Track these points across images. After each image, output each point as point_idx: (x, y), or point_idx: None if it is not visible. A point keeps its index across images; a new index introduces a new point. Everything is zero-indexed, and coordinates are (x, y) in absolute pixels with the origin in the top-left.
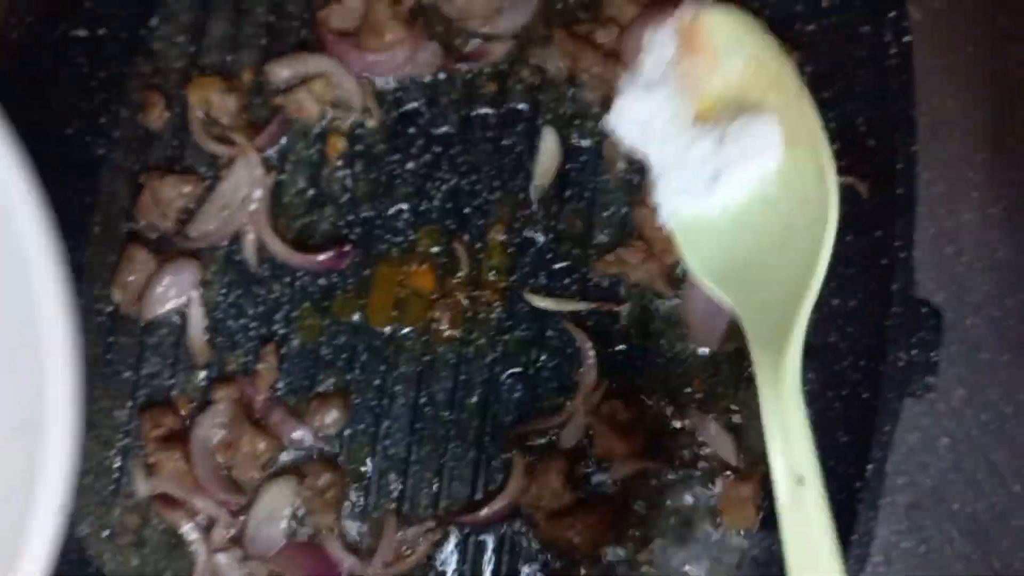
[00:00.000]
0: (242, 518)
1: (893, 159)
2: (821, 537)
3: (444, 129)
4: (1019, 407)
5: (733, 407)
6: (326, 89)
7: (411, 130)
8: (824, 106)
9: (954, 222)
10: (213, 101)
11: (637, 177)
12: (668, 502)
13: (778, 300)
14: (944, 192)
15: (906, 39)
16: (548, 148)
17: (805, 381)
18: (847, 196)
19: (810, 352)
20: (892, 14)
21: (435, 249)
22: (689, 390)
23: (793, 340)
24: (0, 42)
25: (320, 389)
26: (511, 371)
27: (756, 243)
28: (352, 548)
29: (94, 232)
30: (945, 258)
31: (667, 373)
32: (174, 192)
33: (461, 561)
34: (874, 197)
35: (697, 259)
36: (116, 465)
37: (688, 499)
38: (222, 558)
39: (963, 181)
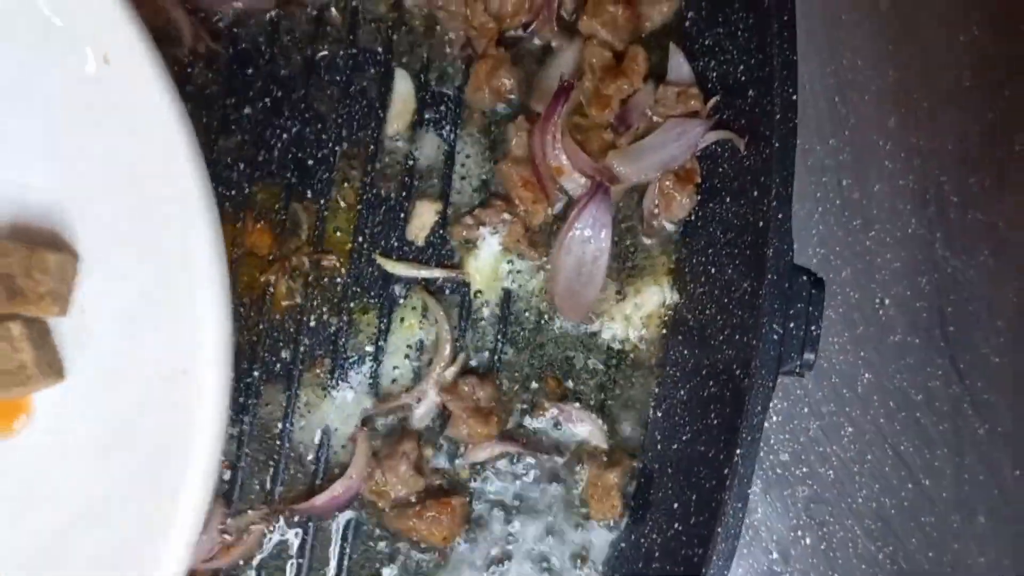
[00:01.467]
0: None
1: (772, 109)
2: None
3: (285, 71)
4: (930, 395)
5: (603, 388)
6: (153, 17)
7: (249, 71)
8: (705, 54)
9: (862, 193)
10: None
11: (500, 130)
12: (529, 488)
13: None
14: (851, 161)
15: None
16: (402, 93)
17: (682, 361)
18: (725, 154)
19: (686, 327)
20: None
21: (274, 206)
22: (554, 371)
23: None
24: None
25: None
26: (356, 343)
27: None
28: None
29: None
30: (852, 232)
31: (530, 350)
32: None
33: (300, 552)
34: (751, 154)
35: None
36: None
37: (550, 488)
38: None
39: (873, 149)
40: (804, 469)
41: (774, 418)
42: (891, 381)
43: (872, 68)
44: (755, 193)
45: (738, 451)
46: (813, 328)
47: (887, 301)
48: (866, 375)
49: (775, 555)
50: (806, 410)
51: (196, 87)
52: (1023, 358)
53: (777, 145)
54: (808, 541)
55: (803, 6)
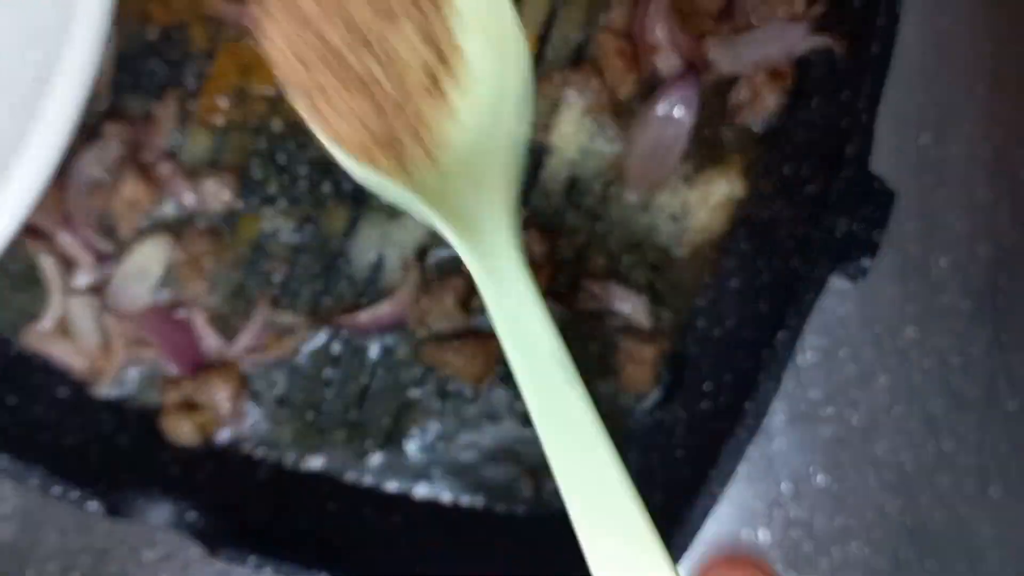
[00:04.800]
0: (108, 270)
1: (874, 18)
2: (583, 435)
3: None
4: (968, 361)
5: (655, 268)
6: None
7: None
8: None
9: (938, 153)
10: None
11: None
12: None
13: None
14: (934, 119)
15: None
16: None
17: (740, 252)
18: (823, 59)
19: (749, 221)
20: None
21: None
22: (611, 242)
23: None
24: None
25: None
26: None
27: None
28: (217, 325)
29: None
30: (923, 188)
31: (592, 217)
32: None
33: (334, 364)
34: (850, 60)
35: None
36: None
37: (587, 349)
38: (77, 305)
39: (958, 111)
40: (831, 410)
41: (811, 355)
42: (932, 340)
43: (968, 35)
44: (844, 97)
45: (780, 332)
46: (876, 232)
47: (942, 262)
48: (909, 330)
49: (785, 488)
50: (844, 353)
51: None
52: None
53: (876, 52)
54: (820, 480)
55: None
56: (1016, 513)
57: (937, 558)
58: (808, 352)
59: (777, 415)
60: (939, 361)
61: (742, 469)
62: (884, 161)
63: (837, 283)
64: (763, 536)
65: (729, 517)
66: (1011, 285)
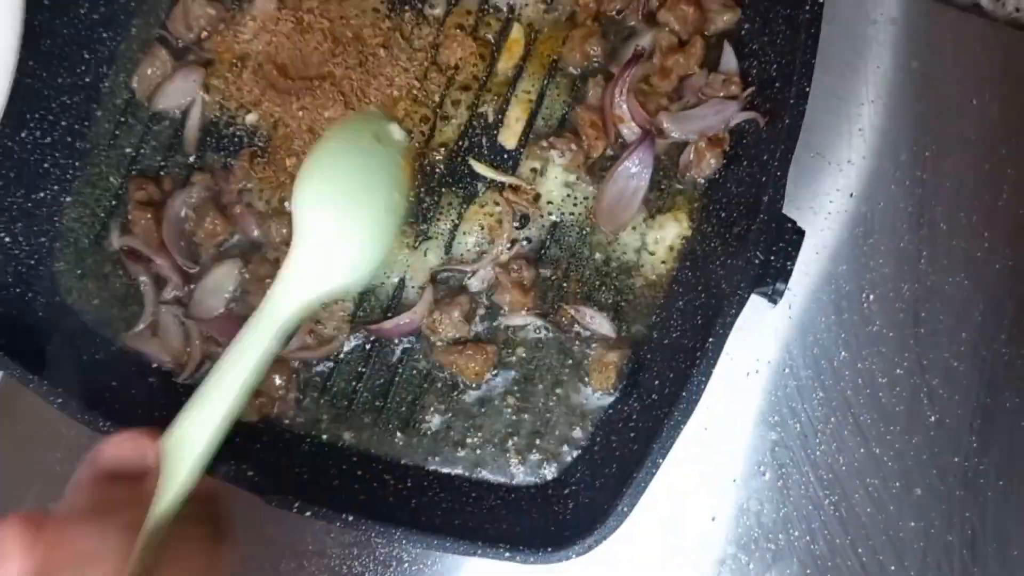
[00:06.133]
0: (191, 286)
1: (788, 96)
2: None
3: None
4: (893, 380)
5: (620, 292)
6: None
7: None
8: (750, 55)
9: (868, 208)
10: None
11: (582, 83)
12: (546, 354)
13: None
14: (863, 180)
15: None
16: (516, 38)
17: (685, 280)
18: (750, 130)
19: (693, 255)
20: None
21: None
22: (585, 270)
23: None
24: None
25: (281, 206)
26: (440, 218)
27: None
28: None
29: (131, 31)
30: (854, 236)
31: (570, 250)
32: (202, 11)
33: (366, 362)
34: (769, 129)
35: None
36: (100, 220)
37: (564, 356)
38: (166, 313)
39: (883, 174)
40: (776, 417)
41: (760, 372)
42: (863, 362)
43: (893, 112)
44: (764, 157)
45: (710, 339)
46: (789, 263)
47: (872, 297)
48: (843, 352)
49: (737, 480)
50: (788, 371)
51: None
52: (977, 367)
53: (788, 121)
54: (767, 476)
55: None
56: (935, 510)
57: (866, 547)
58: (759, 370)
59: (731, 420)
60: (869, 380)
61: (698, 462)
62: (821, 215)
63: (782, 314)
64: (718, 521)
65: (692, 512)
66: (931, 318)
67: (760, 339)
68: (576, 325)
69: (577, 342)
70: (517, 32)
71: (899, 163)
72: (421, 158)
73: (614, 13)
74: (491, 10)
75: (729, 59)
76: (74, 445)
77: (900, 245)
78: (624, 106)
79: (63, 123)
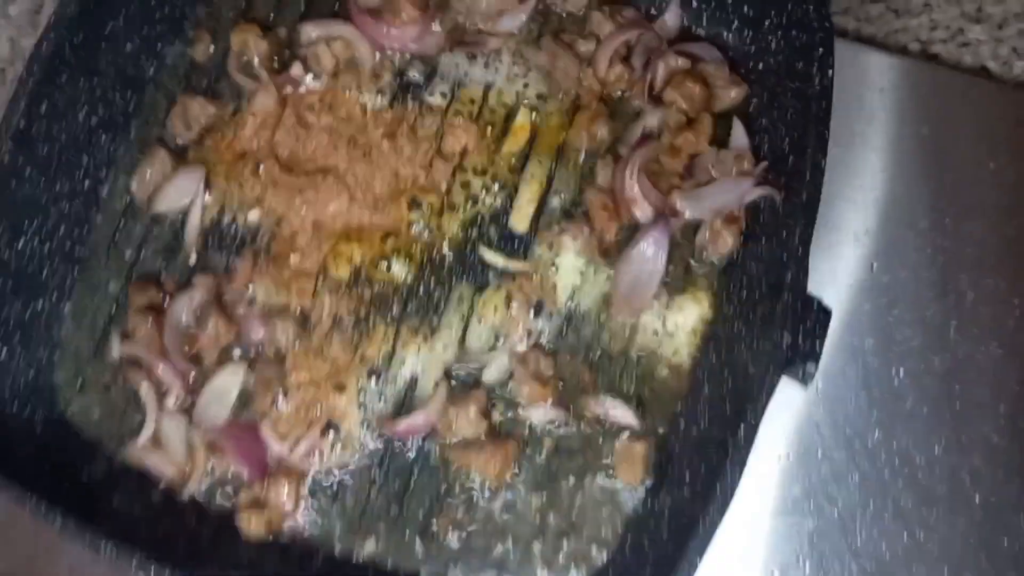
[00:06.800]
0: (194, 393)
1: (804, 171)
2: None
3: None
4: (932, 459)
5: (642, 379)
6: (344, 50)
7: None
8: (760, 130)
9: (891, 278)
10: (250, 44)
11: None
12: (570, 448)
13: None
14: (883, 249)
15: (830, 72)
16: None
17: (710, 364)
18: (766, 207)
19: (716, 338)
20: (820, 51)
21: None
22: (604, 359)
23: None
24: None
25: (285, 307)
26: (451, 310)
27: None
28: (282, 435)
29: (130, 133)
30: (878, 308)
31: (588, 339)
32: (201, 110)
33: (380, 463)
34: (785, 206)
35: None
36: (100, 328)
37: (587, 449)
38: (169, 423)
39: (904, 243)
40: (812, 505)
41: (792, 456)
42: (898, 441)
43: (909, 180)
44: (784, 235)
45: (742, 428)
46: (818, 344)
47: (902, 371)
48: (876, 432)
49: (775, 573)
50: (820, 454)
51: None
52: (1019, 442)
53: (805, 197)
54: (808, 569)
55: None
56: None
57: None
58: (789, 454)
59: (765, 509)
60: (906, 460)
61: (736, 555)
62: (843, 287)
63: (809, 393)
64: None
65: None
66: (965, 391)
67: (789, 421)
68: (599, 417)
69: (601, 434)
70: (523, 117)
71: (918, 231)
72: (429, 249)
73: (619, 94)
74: (494, 96)
75: (739, 135)
76: (76, 563)
77: (927, 315)
78: (636, 188)
79: (62, 230)
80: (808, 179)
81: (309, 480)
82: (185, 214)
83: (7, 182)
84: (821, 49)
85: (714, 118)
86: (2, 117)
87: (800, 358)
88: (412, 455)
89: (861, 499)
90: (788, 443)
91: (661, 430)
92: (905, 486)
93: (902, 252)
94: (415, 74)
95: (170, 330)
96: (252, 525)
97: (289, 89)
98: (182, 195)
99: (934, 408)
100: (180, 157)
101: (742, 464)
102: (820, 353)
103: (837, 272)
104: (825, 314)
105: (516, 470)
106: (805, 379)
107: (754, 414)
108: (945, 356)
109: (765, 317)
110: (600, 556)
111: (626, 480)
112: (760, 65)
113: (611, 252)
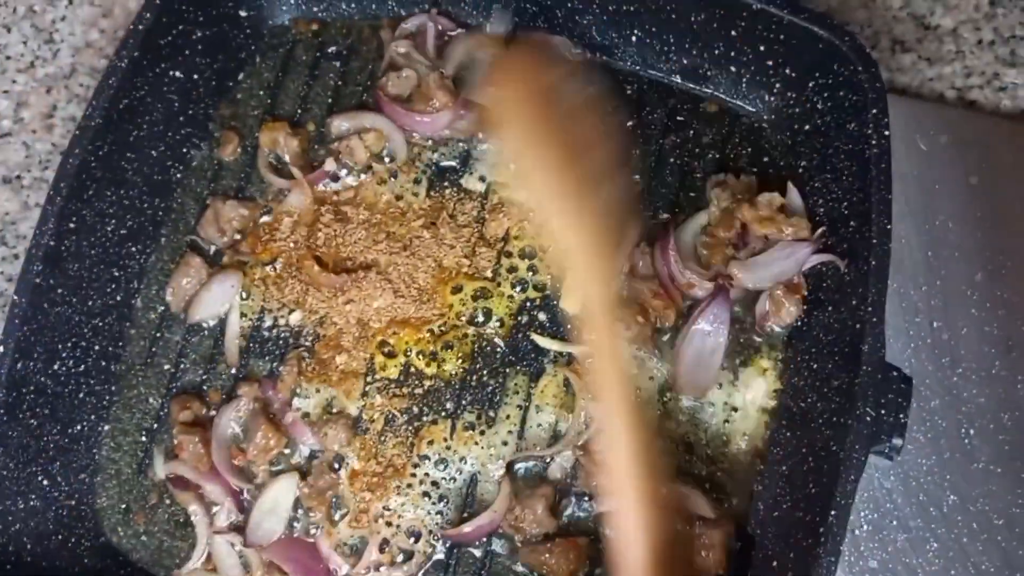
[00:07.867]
0: (244, 511)
1: (869, 235)
2: None
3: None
4: (1011, 520)
5: (713, 461)
6: (376, 141)
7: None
8: (814, 194)
9: (951, 335)
10: (279, 142)
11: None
12: None
13: None
14: (942, 306)
15: (886, 132)
16: None
17: (785, 441)
18: (828, 272)
19: (788, 413)
20: (874, 111)
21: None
22: (673, 441)
23: None
24: (109, 69)
25: (335, 410)
26: (508, 402)
27: None
28: (342, 549)
29: (160, 241)
30: (941, 368)
31: (656, 422)
32: (234, 213)
33: (445, 571)
34: (851, 272)
35: None
36: (142, 447)
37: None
38: (221, 542)
39: (962, 298)
40: None
41: (865, 527)
42: (974, 504)
43: (961, 230)
44: (853, 302)
45: (832, 512)
46: (902, 416)
47: (972, 431)
48: (951, 496)
49: None
50: (895, 523)
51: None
52: None
53: (874, 263)
54: None
55: (902, 175)
56: None
57: None
58: (863, 525)
59: None
60: (984, 523)
61: None
62: (902, 347)
63: (879, 460)
64: None
65: None
66: None
67: (860, 491)
68: (671, 505)
69: (677, 526)
70: None
71: (975, 283)
72: (479, 339)
73: None
74: None
75: (794, 198)
76: None
77: (992, 372)
78: (683, 272)
79: (96, 348)
80: (876, 244)
81: None
82: (223, 321)
83: (39, 305)
84: (875, 110)
85: (767, 183)
86: (31, 238)
87: (885, 432)
88: (480, 559)
89: (941, 567)
90: (863, 515)
91: (738, 514)
92: (985, 550)
93: (961, 307)
94: (450, 160)
95: (217, 445)
96: None
97: (322, 186)
98: (219, 302)
99: (1008, 467)
100: (214, 263)
101: (836, 551)
102: (905, 424)
103: (896, 332)
104: (906, 383)
105: (590, 567)
106: (891, 454)
107: (843, 495)
108: (1015, 413)
109: (843, 390)
110: None
111: (707, 569)
112: (807, 126)
113: (666, 337)
